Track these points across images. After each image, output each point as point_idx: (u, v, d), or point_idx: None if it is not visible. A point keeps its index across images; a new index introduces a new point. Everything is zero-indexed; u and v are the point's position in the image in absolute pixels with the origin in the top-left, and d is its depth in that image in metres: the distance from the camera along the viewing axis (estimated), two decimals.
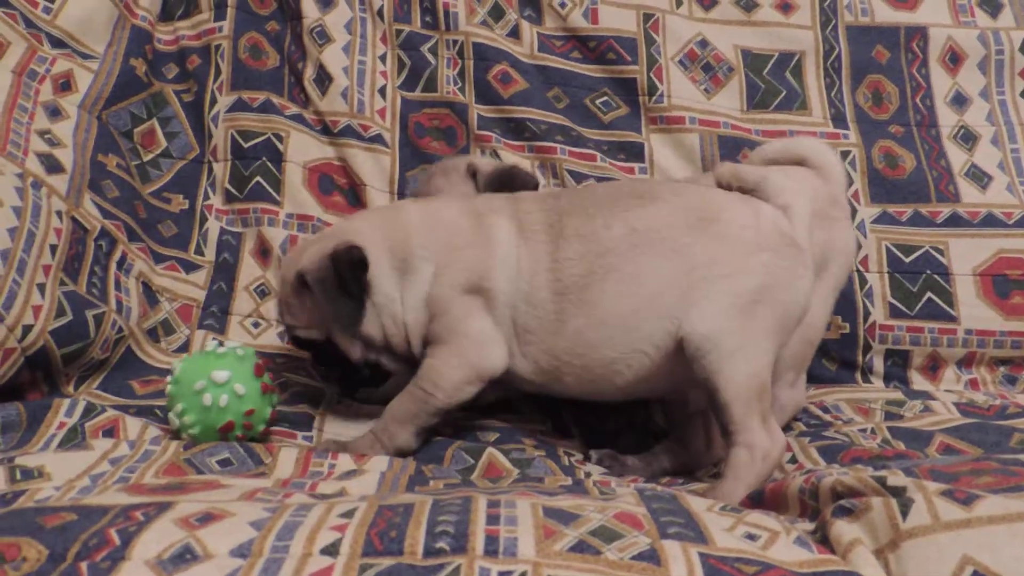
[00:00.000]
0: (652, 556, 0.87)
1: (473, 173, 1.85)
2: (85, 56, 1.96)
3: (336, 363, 1.62)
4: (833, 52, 2.26)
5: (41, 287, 1.49)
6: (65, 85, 1.89)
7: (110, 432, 1.42)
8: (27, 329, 1.44)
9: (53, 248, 1.57)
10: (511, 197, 1.64)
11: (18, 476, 1.15)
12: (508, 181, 1.79)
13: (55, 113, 1.84)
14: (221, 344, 1.49)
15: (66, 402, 1.45)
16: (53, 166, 1.70)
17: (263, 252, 2.06)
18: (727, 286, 1.45)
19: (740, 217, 1.51)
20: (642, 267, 1.48)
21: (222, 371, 1.43)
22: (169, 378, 1.46)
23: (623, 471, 1.59)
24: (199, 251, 2.04)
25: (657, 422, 1.80)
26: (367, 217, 1.74)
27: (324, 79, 2.17)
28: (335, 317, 1.53)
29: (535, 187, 1.83)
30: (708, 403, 1.48)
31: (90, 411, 1.45)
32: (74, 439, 1.38)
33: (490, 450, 1.51)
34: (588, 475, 1.53)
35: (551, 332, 1.50)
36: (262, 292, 2.03)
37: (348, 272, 1.51)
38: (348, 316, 1.52)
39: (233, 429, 1.43)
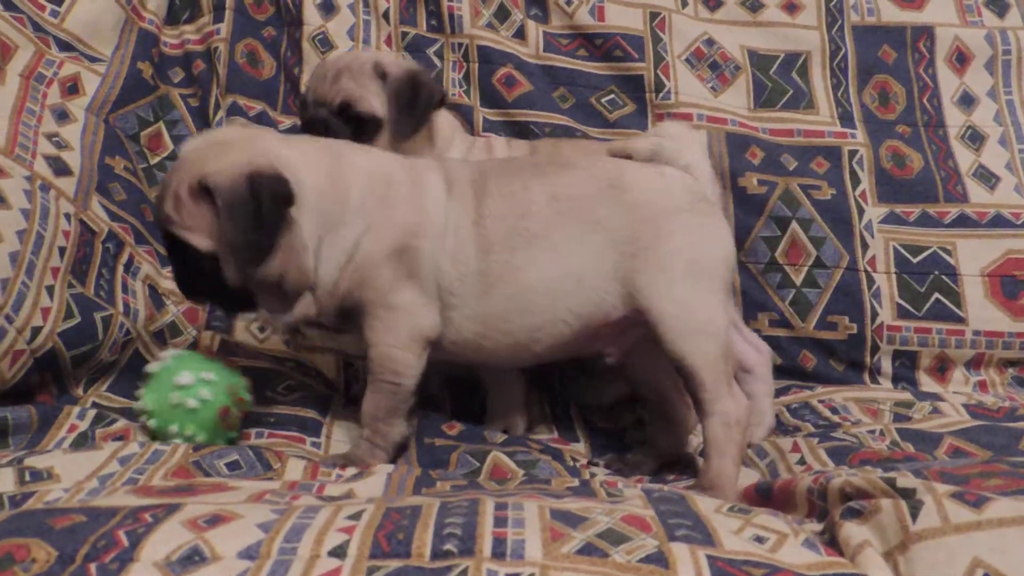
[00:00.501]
0: (660, 559, 0.87)
1: (382, 74, 1.80)
2: (93, 59, 1.96)
3: (204, 277, 1.44)
4: (839, 52, 2.26)
5: (50, 289, 1.50)
6: (72, 88, 1.89)
7: (120, 440, 1.42)
8: (36, 331, 1.44)
9: (62, 250, 1.58)
10: (441, 157, 1.66)
11: (27, 478, 1.15)
12: (416, 88, 1.78)
13: (63, 116, 1.84)
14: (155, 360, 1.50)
15: (77, 408, 1.46)
16: (61, 169, 1.70)
17: None
18: (659, 257, 1.46)
19: (647, 181, 1.52)
20: (568, 236, 1.48)
21: (181, 375, 1.43)
22: (144, 418, 1.45)
23: (630, 471, 1.59)
24: None
25: None
26: (298, 145, 1.51)
27: None
28: (233, 244, 1.38)
29: (441, 98, 1.83)
30: (677, 372, 1.49)
31: (101, 419, 1.46)
32: (84, 444, 1.38)
33: (495, 453, 1.51)
34: (594, 475, 1.53)
35: (477, 295, 1.48)
36: None
37: (269, 204, 1.37)
38: (250, 249, 1.38)
39: (230, 412, 1.44)
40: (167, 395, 1.42)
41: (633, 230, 1.47)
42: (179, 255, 1.44)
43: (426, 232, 1.48)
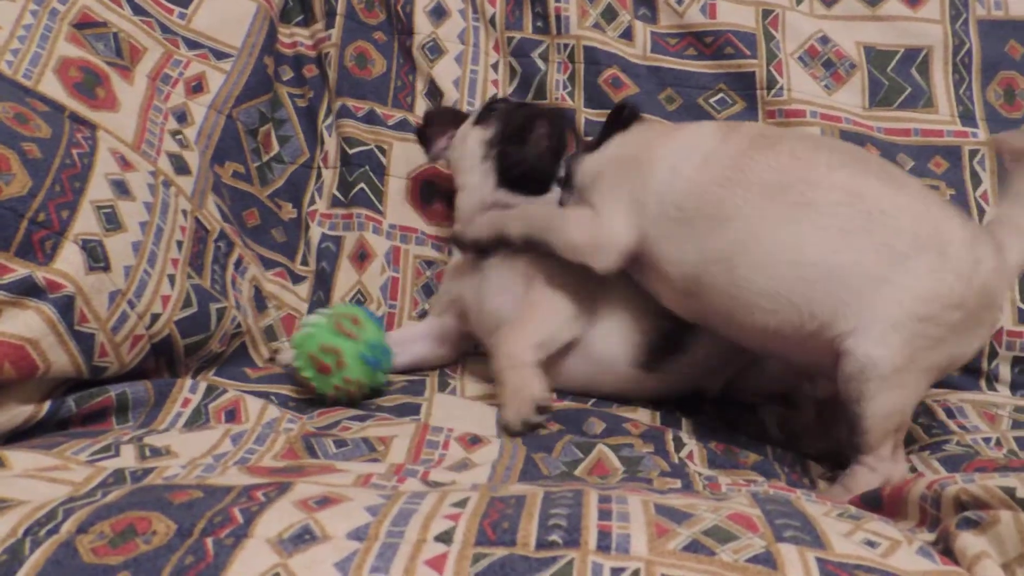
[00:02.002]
0: (768, 559, 0.85)
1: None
2: (220, 55, 2.03)
3: None
4: (963, 47, 2.17)
5: (171, 278, 1.55)
6: (197, 87, 1.96)
7: (232, 413, 1.47)
8: (155, 317, 1.50)
9: (179, 244, 1.63)
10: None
11: (147, 454, 1.20)
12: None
13: (185, 116, 1.91)
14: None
15: (188, 381, 1.52)
16: (181, 167, 1.77)
17: (361, 256, 2.09)
18: (914, 325, 1.35)
19: (959, 263, 1.38)
20: (843, 237, 1.36)
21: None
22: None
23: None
24: (304, 262, 2.09)
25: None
26: None
27: (435, 93, 2.20)
28: None
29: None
30: (843, 417, 1.41)
31: (212, 391, 1.51)
32: (198, 420, 1.44)
33: (600, 447, 1.48)
34: (699, 474, 1.51)
35: (709, 217, 1.43)
36: (357, 302, 2.06)
37: None
38: None
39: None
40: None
41: (916, 288, 1.35)
42: None
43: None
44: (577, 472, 1.37)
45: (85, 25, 1.78)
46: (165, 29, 1.97)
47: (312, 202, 2.14)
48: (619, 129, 1.69)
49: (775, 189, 1.41)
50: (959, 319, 1.37)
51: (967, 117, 2.14)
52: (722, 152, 1.47)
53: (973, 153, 2.10)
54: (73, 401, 1.36)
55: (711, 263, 1.44)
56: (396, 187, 2.15)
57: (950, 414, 1.75)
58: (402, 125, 2.18)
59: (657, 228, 1.51)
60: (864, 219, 1.38)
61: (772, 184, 1.41)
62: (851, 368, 1.36)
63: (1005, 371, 1.97)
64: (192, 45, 2.00)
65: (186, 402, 1.47)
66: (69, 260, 1.34)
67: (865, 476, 1.39)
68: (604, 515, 0.91)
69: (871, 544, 0.91)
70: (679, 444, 1.54)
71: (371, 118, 2.18)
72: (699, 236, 1.45)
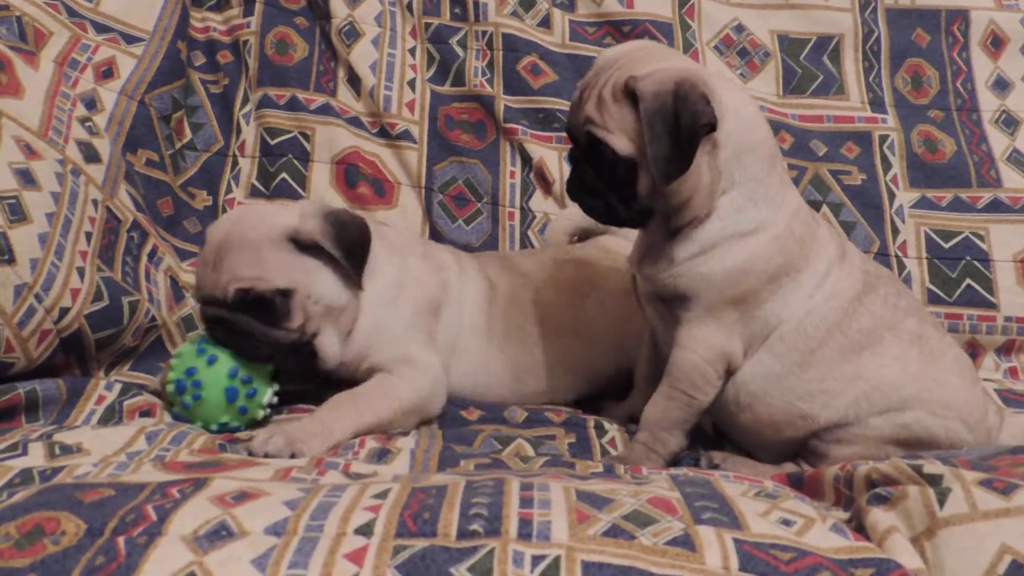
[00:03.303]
0: (686, 542, 0.86)
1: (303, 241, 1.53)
2: (131, 40, 1.97)
3: (613, 184, 1.40)
4: (872, 35, 2.23)
5: (80, 271, 1.51)
6: (107, 72, 1.90)
7: (147, 413, 1.44)
8: (64, 311, 1.46)
9: (88, 235, 1.59)
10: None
11: (57, 452, 1.16)
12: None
13: (94, 102, 1.85)
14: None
15: (103, 381, 1.48)
16: (91, 155, 1.71)
17: None
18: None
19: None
20: (882, 368, 1.43)
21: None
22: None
23: None
24: None
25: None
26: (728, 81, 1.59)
27: (355, 80, 2.17)
28: (654, 152, 1.32)
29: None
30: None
31: (127, 390, 1.47)
32: (112, 418, 1.40)
33: (520, 441, 1.48)
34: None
35: (796, 363, 1.43)
36: None
37: (689, 120, 1.32)
38: (667, 161, 1.32)
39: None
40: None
41: None
42: (590, 159, 1.42)
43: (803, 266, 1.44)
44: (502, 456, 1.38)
45: None
46: (72, 12, 1.90)
47: (229, 190, 2.10)
48: None
49: None
50: None
51: (877, 103, 2.20)
52: None
53: (883, 138, 2.15)
54: None
55: None
56: (320, 172, 2.12)
57: None
58: (325, 110, 2.15)
59: None
60: None
61: None
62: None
63: None
64: (101, 29, 1.94)
65: (100, 400, 1.43)
66: None
67: None
68: (525, 503, 0.91)
69: (787, 523, 0.93)
70: (601, 431, 1.56)
71: (293, 104, 2.15)
72: None
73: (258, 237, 1.46)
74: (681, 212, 1.41)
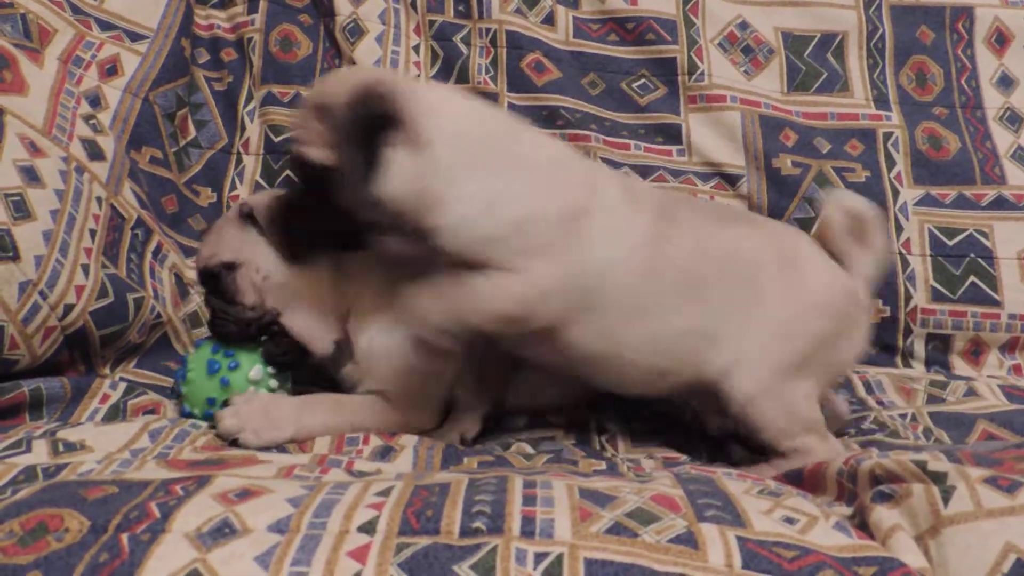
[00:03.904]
0: (689, 539, 0.86)
1: (248, 214, 1.54)
2: (135, 37, 1.97)
3: (322, 205, 1.34)
4: (876, 32, 2.23)
5: (85, 268, 1.51)
6: (111, 70, 1.90)
7: (151, 413, 1.44)
8: (68, 308, 1.46)
9: (92, 233, 1.59)
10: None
11: (60, 449, 1.17)
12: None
13: (99, 100, 1.85)
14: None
15: (108, 380, 1.48)
16: (95, 153, 1.71)
17: None
18: (784, 347, 1.42)
19: (819, 275, 1.47)
20: (725, 291, 1.42)
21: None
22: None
23: None
24: None
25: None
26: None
27: None
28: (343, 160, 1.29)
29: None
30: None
31: (132, 390, 1.47)
32: (116, 417, 1.40)
33: (519, 444, 1.48)
34: (622, 459, 1.52)
35: (624, 314, 1.38)
36: None
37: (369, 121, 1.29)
38: (353, 165, 1.28)
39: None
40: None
41: (783, 312, 1.42)
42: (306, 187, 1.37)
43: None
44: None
45: None
46: (76, 10, 1.90)
47: (233, 187, 2.10)
48: None
49: None
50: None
51: (881, 101, 2.19)
52: None
53: (887, 136, 2.15)
54: None
55: None
56: None
57: (869, 389, 1.80)
58: None
59: None
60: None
61: None
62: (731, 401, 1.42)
63: (920, 348, 2.03)
64: (105, 26, 1.94)
65: (105, 398, 1.43)
66: None
67: (795, 458, 1.42)
68: (528, 500, 0.91)
69: (790, 521, 0.93)
70: (602, 428, 1.56)
71: (297, 102, 2.14)
72: None
73: (224, 218, 1.50)
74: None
